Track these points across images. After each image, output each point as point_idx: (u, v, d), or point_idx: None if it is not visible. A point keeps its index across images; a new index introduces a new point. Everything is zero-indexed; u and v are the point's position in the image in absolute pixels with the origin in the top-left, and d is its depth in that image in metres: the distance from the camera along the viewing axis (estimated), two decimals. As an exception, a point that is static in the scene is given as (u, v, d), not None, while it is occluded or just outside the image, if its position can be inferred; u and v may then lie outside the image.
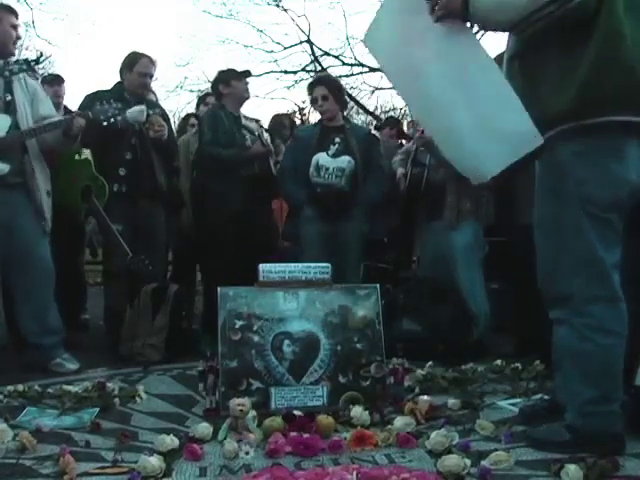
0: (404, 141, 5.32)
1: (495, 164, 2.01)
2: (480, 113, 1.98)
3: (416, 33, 2.07)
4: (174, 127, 4.85)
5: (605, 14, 1.88)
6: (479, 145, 2.01)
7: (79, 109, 3.58)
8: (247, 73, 4.19)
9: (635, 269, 2.21)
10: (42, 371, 3.15)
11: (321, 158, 3.78)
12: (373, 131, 5.15)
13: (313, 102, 3.90)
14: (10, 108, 3.14)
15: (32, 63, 3.36)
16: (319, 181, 3.77)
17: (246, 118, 4.15)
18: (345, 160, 3.77)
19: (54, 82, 4.40)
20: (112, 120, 3.26)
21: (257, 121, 4.38)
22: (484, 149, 2.00)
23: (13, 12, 3.29)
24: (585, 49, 1.90)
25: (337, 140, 3.81)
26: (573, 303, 2.03)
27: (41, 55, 3.91)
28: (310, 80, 4.87)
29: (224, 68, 4.27)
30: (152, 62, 3.77)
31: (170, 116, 4.46)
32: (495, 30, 2.09)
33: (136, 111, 3.53)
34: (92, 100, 3.50)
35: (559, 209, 2.04)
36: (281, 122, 5.07)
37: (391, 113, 15.53)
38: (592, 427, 2.00)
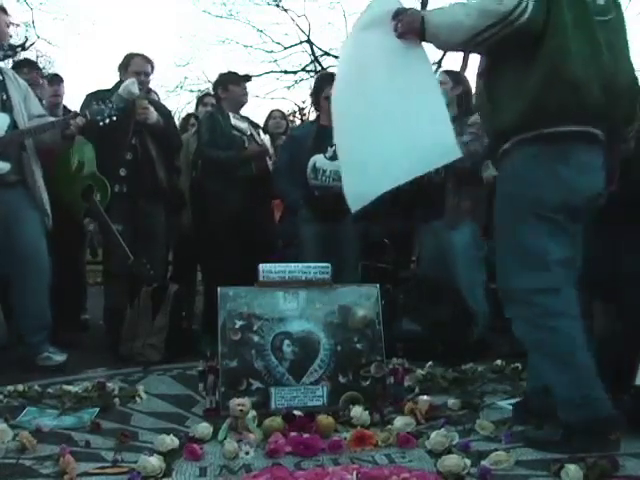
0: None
1: (400, 176, 2.35)
2: (408, 122, 2.27)
3: (374, 46, 2.36)
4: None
5: (552, 33, 2.03)
6: (395, 152, 2.28)
7: (80, 109, 3.58)
8: (246, 78, 4.20)
9: (601, 268, 2.42)
10: (29, 366, 3.15)
11: (318, 160, 3.77)
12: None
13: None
14: (7, 107, 3.15)
15: (17, 49, 3.37)
16: (316, 184, 3.77)
17: (237, 118, 4.12)
18: None
19: (53, 82, 4.38)
20: (108, 120, 3.26)
21: (256, 125, 4.36)
22: (399, 157, 2.28)
23: (6, 11, 3.34)
24: (534, 65, 2.05)
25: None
26: (520, 296, 2.14)
27: (26, 40, 3.91)
28: (312, 79, 4.86)
29: (225, 70, 4.30)
30: (146, 60, 3.79)
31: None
32: (446, 49, 2.43)
33: (128, 83, 3.47)
34: (92, 100, 3.51)
35: (511, 210, 2.17)
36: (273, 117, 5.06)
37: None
38: (581, 416, 2.02)
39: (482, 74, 2.28)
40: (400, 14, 2.26)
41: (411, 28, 2.23)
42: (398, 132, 2.28)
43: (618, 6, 2.23)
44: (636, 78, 2.25)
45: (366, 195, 2.41)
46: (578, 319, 2.10)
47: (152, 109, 3.68)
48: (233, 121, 4.04)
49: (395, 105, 2.30)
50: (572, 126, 2.06)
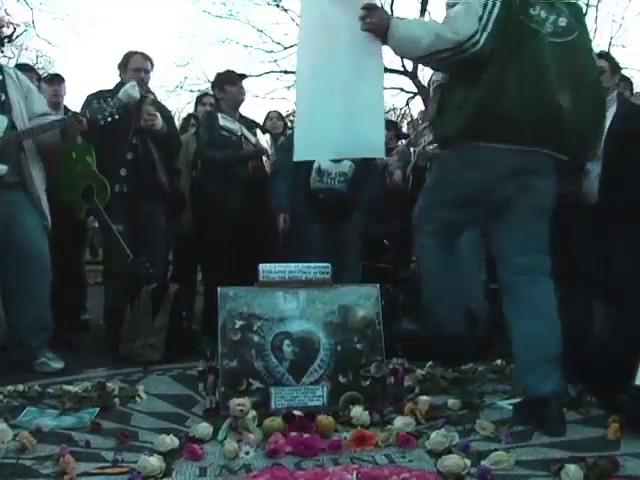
0: (403, 141, 5.33)
1: (332, 152, 2.74)
2: (349, 109, 2.44)
3: (341, 22, 2.45)
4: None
5: (490, 63, 2.18)
6: (333, 131, 2.47)
7: (81, 109, 3.57)
8: (242, 76, 4.21)
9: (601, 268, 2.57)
10: (29, 368, 3.14)
11: (323, 163, 3.78)
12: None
13: None
14: (5, 107, 3.13)
15: (5, 40, 3.35)
16: (322, 186, 3.78)
17: (227, 119, 4.08)
18: (347, 164, 3.79)
19: (54, 82, 4.37)
20: (109, 119, 3.25)
21: (254, 125, 4.33)
22: (334, 136, 2.48)
23: None
24: (476, 88, 2.21)
25: None
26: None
27: (14, 31, 3.88)
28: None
29: (222, 70, 4.30)
30: (145, 57, 3.79)
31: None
32: (405, 58, 2.97)
33: (128, 87, 3.46)
34: (93, 100, 3.50)
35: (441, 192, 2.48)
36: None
37: (391, 113, 15.56)
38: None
39: (439, 86, 2.50)
40: (370, 9, 2.33)
41: (376, 30, 2.33)
42: (341, 112, 2.46)
43: (582, 25, 2.34)
44: (600, 92, 2.35)
45: (310, 154, 2.77)
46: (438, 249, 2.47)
47: (159, 115, 3.68)
48: (222, 122, 4.01)
49: (344, 88, 2.45)
50: (501, 144, 2.23)
